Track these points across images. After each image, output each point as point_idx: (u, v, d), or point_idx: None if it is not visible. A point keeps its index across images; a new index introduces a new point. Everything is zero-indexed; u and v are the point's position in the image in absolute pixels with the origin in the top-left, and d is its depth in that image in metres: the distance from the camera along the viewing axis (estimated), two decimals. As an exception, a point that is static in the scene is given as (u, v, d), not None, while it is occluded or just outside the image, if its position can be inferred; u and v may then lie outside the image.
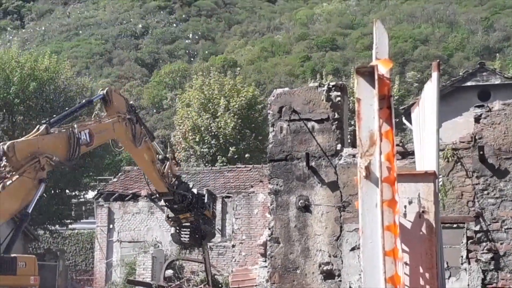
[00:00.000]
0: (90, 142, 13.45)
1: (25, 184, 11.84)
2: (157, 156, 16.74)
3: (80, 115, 19.45)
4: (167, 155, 17.59)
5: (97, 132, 13.73)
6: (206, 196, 18.06)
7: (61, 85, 41.10)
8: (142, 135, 15.68)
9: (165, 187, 16.74)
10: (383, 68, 5.72)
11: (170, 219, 17.78)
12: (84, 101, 15.48)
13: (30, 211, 12.13)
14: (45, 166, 12.12)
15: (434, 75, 6.69)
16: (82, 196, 42.64)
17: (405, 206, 6.19)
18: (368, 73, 5.52)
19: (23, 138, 12.71)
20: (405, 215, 6.17)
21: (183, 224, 17.86)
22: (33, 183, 11.97)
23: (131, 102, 15.97)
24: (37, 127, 12.57)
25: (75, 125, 13.18)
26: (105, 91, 14.83)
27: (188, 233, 17.94)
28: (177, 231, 18.12)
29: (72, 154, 12.80)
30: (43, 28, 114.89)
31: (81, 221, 43.62)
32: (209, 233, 18.59)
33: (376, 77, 5.47)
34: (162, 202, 17.83)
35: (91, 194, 39.98)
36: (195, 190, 17.92)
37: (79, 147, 12.93)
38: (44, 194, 38.21)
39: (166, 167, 16.68)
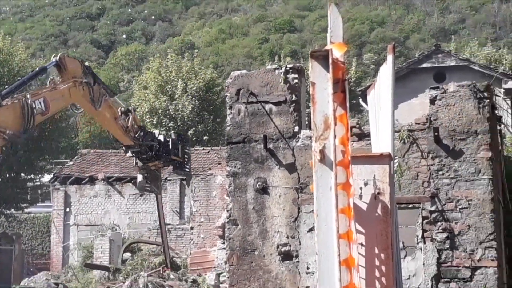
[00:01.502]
0: (45, 110, 13.12)
1: None
2: (120, 109, 16.58)
3: (33, 85, 20.11)
4: (129, 108, 17.47)
5: (52, 99, 13.44)
6: (170, 142, 18.17)
7: (15, 67, 40.39)
8: (102, 95, 15.44)
9: (131, 140, 16.71)
10: (337, 52, 5.73)
11: (139, 168, 17.91)
12: (37, 69, 14.98)
13: None
14: None
15: (389, 57, 6.73)
16: (38, 180, 42.08)
17: (360, 188, 6.24)
18: (323, 57, 5.53)
19: None
20: (360, 196, 6.22)
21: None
22: None
23: (86, 63, 15.75)
24: None
25: (28, 95, 12.81)
26: (57, 57, 14.59)
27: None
28: (145, 178, 18.17)
29: (27, 125, 12.45)
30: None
31: (37, 204, 43.10)
32: (185, 175, 19.27)
33: (330, 61, 5.48)
34: (129, 154, 17.82)
35: (47, 178, 39.49)
36: (161, 137, 17.92)
37: (33, 117, 12.59)
38: (-2, 178, 37.69)
39: (130, 120, 16.53)
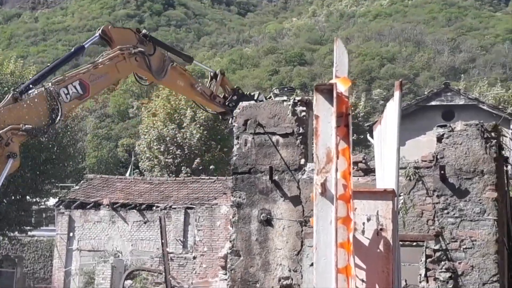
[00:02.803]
0: (84, 93, 11.92)
1: None
2: (209, 74, 14.71)
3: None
4: (217, 71, 15.18)
5: (92, 79, 12.14)
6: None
7: (26, 90, 40.55)
8: (167, 63, 13.59)
9: (219, 106, 14.64)
10: (342, 86, 5.76)
11: None
12: (73, 49, 13.31)
13: None
14: (11, 140, 11.04)
15: (397, 94, 6.75)
16: (43, 203, 42.04)
17: (363, 223, 6.21)
18: (327, 91, 5.55)
19: None
20: (363, 232, 6.19)
21: None
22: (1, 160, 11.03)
23: (143, 31, 13.74)
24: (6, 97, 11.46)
25: (50, 83, 11.78)
26: (100, 31, 12.97)
27: None
28: None
29: (52, 117, 11.46)
30: (9, 32, 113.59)
31: (41, 228, 43.02)
32: None
33: (334, 95, 5.50)
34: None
35: (52, 201, 39.48)
36: (262, 97, 15.01)
37: (60, 107, 11.51)
38: (4, 200, 37.65)
39: (213, 85, 14.46)
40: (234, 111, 13.50)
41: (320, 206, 5.26)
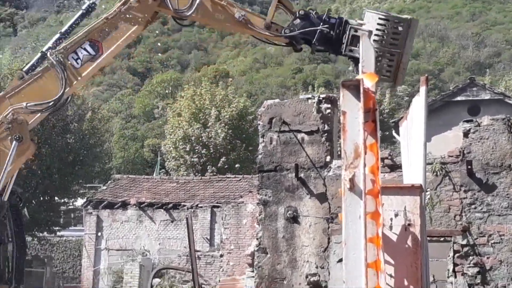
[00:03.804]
0: (97, 53, 10.39)
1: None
2: None
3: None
4: None
5: (104, 36, 10.42)
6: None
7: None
8: None
9: (276, 37, 10.59)
10: (368, 82, 5.79)
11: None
12: (83, 7, 11.33)
13: (5, 199, 10.30)
14: (15, 121, 10.14)
15: (422, 89, 6.77)
16: (71, 204, 42.51)
17: (391, 219, 6.24)
18: (354, 87, 5.60)
19: None
20: (391, 227, 6.21)
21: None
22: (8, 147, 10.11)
23: None
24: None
25: (52, 51, 10.35)
26: None
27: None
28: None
29: (64, 89, 10.20)
30: (35, 36, 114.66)
31: (70, 228, 43.49)
32: None
33: (361, 90, 5.55)
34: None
35: (80, 202, 39.88)
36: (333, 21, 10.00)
37: (65, 73, 10.22)
38: (33, 201, 38.12)
39: (269, 14, 10.51)
40: (259, 110, 13.53)
41: (348, 201, 5.30)
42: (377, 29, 7.63)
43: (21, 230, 11.50)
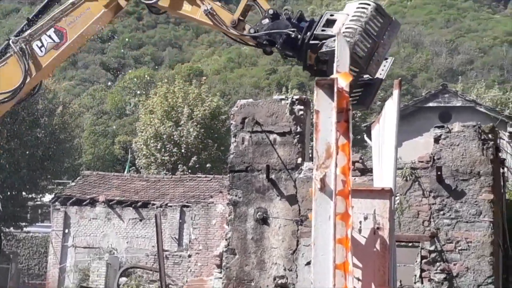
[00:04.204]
0: (61, 40, 9.82)
1: None
2: None
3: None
4: None
5: (69, 22, 9.85)
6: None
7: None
8: None
9: (240, 35, 9.51)
10: (343, 82, 5.76)
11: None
12: None
13: None
14: None
15: (395, 92, 6.75)
16: (39, 199, 42.06)
17: (360, 222, 6.22)
18: (328, 86, 5.56)
19: None
20: (360, 230, 6.19)
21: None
22: None
23: None
24: None
25: (19, 39, 9.77)
26: None
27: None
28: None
29: (26, 79, 9.67)
30: (8, 28, 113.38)
31: (37, 224, 43.01)
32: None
33: (335, 90, 5.51)
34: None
35: (48, 198, 39.46)
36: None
37: (26, 62, 9.68)
38: (0, 195, 37.65)
39: (239, 8, 9.53)
40: (232, 109, 13.45)
41: (319, 201, 5.26)
42: (356, 9, 7.21)
43: None
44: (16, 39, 9.66)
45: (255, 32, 8.95)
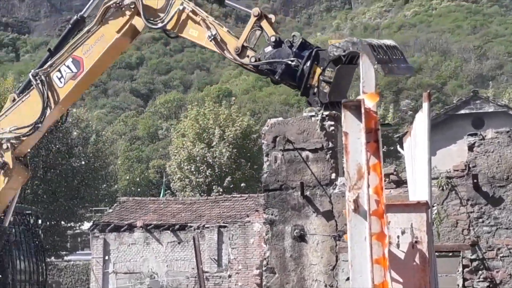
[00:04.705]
0: (78, 70, 9.72)
1: None
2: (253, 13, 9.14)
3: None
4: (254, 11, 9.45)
5: (86, 51, 9.70)
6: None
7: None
8: (171, 5, 9.66)
9: (241, 64, 9.60)
10: (369, 102, 5.78)
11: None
12: (70, 24, 10.39)
13: (6, 225, 10.06)
14: (4, 148, 9.76)
15: (425, 105, 6.75)
16: (77, 228, 42.51)
17: (397, 237, 6.20)
18: (355, 107, 5.59)
19: None
20: (398, 245, 6.18)
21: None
22: None
23: None
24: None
25: (40, 71, 9.79)
26: None
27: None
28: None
29: (45, 111, 9.70)
30: (38, 60, 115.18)
31: (77, 252, 43.43)
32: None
33: (362, 111, 5.54)
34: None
35: (86, 225, 39.86)
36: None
37: (45, 93, 9.63)
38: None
39: (243, 34, 9.34)
40: (263, 129, 13.49)
41: (353, 222, 5.28)
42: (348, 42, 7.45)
43: (39, 254, 11.10)
44: (36, 72, 9.81)
45: (256, 61, 8.96)
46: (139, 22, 9.79)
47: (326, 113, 13.15)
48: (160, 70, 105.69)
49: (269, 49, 8.93)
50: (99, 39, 9.72)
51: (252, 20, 9.33)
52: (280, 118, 13.71)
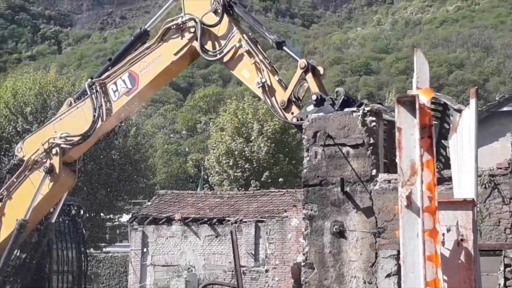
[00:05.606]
0: (133, 87, 9.72)
1: (36, 181, 9.91)
2: (300, 65, 9.25)
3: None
4: (303, 63, 9.53)
5: (142, 68, 9.75)
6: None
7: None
8: (231, 42, 9.66)
9: (284, 119, 9.76)
10: (424, 98, 5.71)
11: None
12: (133, 36, 10.29)
13: (26, 218, 10.16)
14: (53, 152, 9.91)
15: (472, 101, 6.64)
16: (116, 220, 42.93)
17: (443, 234, 6.12)
18: (409, 103, 5.51)
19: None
20: (443, 243, 6.09)
21: None
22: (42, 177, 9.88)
23: None
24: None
25: (93, 80, 9.85)
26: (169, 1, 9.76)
27: None
28: None
29: (97, 121, 9.74)
30: (80, 53, 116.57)
31: (115, 244, 43.86)
32: None
33: (417, 106, 5.46)
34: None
35: (125, 218, 40.24)
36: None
37: (98, 105, 9.64)
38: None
39: (289, 88, 9.12)
40: (303, 124, 13.44)
41: (406, 219, 5.21)
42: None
43: (80, 244, 11.36)
44: (93, 81, 9.94)
45: (298, 120, 9.78)
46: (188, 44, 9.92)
47: (367, 108, 13.05)
48: (200, 64, 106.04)
49: (311, 107, 9.45)
50: (156, 59, 9.85)
51: (298, 72, 9.66)
52: (321, 113, 13.63)
